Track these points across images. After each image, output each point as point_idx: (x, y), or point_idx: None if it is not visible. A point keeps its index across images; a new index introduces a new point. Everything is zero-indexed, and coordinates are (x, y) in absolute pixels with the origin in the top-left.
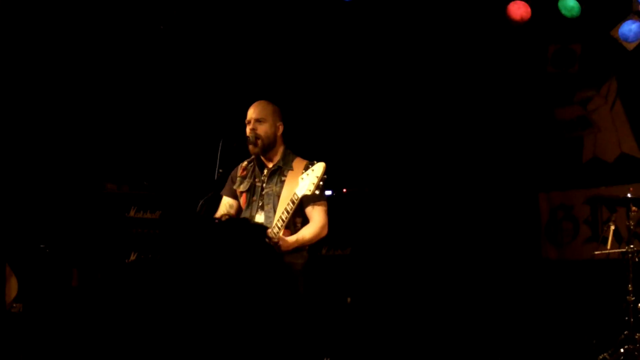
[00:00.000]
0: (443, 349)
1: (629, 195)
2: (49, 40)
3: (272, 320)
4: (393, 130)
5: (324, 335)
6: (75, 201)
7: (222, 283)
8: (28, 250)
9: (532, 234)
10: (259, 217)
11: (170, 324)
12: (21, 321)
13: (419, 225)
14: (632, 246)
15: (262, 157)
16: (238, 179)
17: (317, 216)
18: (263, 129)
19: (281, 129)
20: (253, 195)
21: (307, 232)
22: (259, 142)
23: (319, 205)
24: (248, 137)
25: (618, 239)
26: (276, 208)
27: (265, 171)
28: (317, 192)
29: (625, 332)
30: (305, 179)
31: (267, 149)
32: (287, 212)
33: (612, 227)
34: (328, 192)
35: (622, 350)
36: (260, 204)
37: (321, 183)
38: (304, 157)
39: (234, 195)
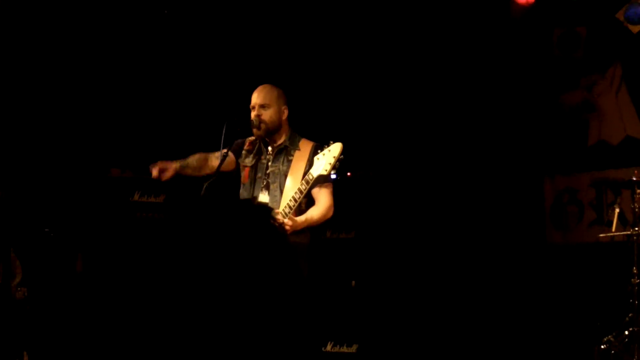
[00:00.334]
0: (447, 334)
1: (634, 178)
2: (53, 26)
3: (276, 302)
4: (398, 114)
5: (328, 319)
6: (80, 186)
7: (228, 264)
8: (33, 234)
9: (537, 218)
10: (263, 197)
11: (175, 306)
12: (25, 306)
13: (424, 209)
14: (637, 229)
15: (266, 139)
16: (244, 152)
17: (323, 198)
18: (268, 115)
19: (286, 113)
20: (257, 173)
21: (315, 213)
22: (263, 126)
23: (325, 186)
24: (252, 120)
25: (623, 222)
26: (282, 187)
27: (270, 149)
28: (333, 172)
29: (630, 315)
30: (321, 159)
31: (272, 132)
32: (301, 192)
33: (617, 210)
34: (333, 176)
35: (626, 332)
36: (264, 183)
37: (337, 163)
38: (309, 140)
39: (230, 162)
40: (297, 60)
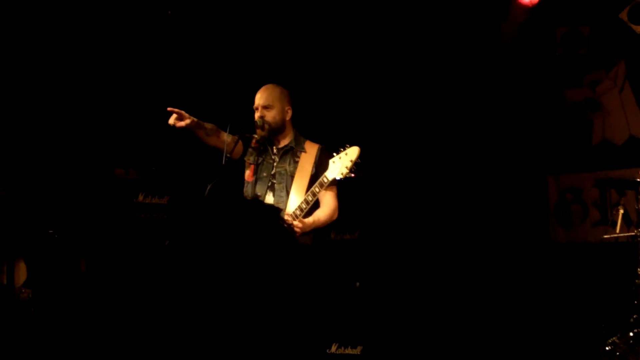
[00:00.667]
0: (451, 333)
1: (638, 178)
2: (57, 25)
3: (281, 303)
4: (401, 114)
5: (332, 320)
6: (84, 187)
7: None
8: (37, 236)
9: (541, 217)
10: (269, 197)
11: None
12: (30, 307)
13: (428, 209)
14: None
15: (271, 139)
16: (249, 149)
17: (329, 200)
18: (271, 115)
19: (290, 113)
20: (263, 172)
21: (321, 215)
22: (267, 126)
23: (330, 189)
24: (256, 121)
25: (627, 222)
26: (289, 188)
27: (276, 150)
28: (351, 175)
29: (634, 316)
30: (337, 162)
31: (276, 133)
32: (314, 194)
33: (621, 211)
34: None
35: (631, 333)
36: (270, 183)
37: (354, 167)
38: (312, 141)
39: (238, 150)
40: (301, 61)
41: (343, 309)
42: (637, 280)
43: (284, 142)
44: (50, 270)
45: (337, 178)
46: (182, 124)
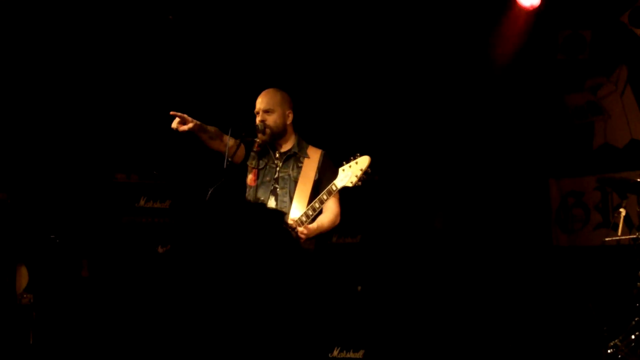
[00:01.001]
0: (453, 337)
1: (639, 180)
2: (59, 29)
3: (284, 308)
4: (403, 118)
5: (334, 324)
6: (85, 191)
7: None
8: (38, 240)
9: (542, 221)
10: (271, 202)
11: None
12: (31, 312)
13: (429, 213)
14: None
15: (272, 144)
16: (252, 153)
17: (332, 205)
18: (272, 119)
19: (291, 117)
20: (266, 176)
21: (325, 220)
22: (268, 131)
23: (334, 194)
24: (257, 125)
25: (629, 225)
26: (292, 194)
27: (278, 154)
28: (360, 183)
29: (636, 319)
30: (347, 171)
31: (277, 137)
32: (322, 201)
33: (623, 214)
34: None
35: (633, 337)
36: (272, 188)
37: (364, 176)
38: (314, 145)
39: (240, 154)
40: (304, 66)
41: (345, 313)
42: (639, 283)
43: (286, 147)
44: (52, 275)
45: (347, 187)
46: (185, 127)
